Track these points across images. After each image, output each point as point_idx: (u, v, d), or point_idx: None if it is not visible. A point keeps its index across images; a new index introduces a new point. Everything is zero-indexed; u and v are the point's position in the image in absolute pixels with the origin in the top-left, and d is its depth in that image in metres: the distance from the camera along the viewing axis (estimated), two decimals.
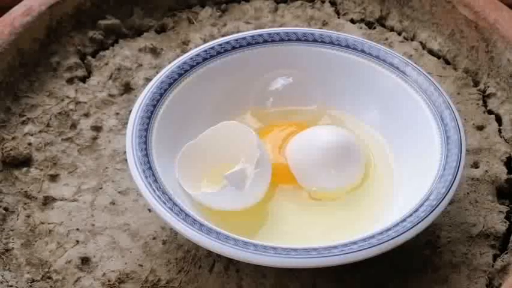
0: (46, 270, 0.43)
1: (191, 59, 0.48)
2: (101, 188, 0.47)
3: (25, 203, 0.46)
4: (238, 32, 0.56)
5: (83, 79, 0.54)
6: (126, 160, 0.43)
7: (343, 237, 0.39)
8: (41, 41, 0.54)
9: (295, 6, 0.60)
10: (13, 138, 0.49)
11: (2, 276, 0.42)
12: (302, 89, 0.50)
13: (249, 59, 0.49)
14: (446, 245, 0.44)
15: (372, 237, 0.38)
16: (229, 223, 0.42)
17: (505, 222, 0.45)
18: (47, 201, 0.46)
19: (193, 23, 0.59)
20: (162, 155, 0.43)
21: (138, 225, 0.45)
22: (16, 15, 0.53)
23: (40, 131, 0.50)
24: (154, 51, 0.56)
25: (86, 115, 0.51)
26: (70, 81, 0.54)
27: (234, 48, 0.49)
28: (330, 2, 0.61)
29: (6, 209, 0.45)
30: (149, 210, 0.45)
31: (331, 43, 0.49)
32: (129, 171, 0.41)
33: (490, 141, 0.50)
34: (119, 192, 0.47)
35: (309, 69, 0.49)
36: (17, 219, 0.45)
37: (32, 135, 0.50)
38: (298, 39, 0.49)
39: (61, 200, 0.46)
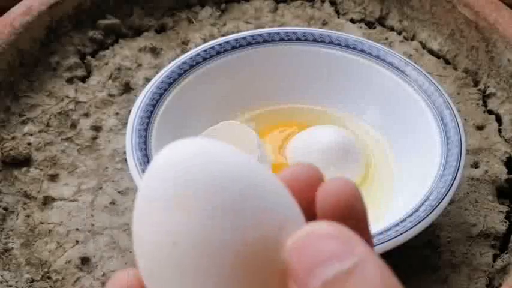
0: (46, 270, 0.43)
1: (191, 58, 0.48)
2: (100, 188, 0.47)
3: (25, 203, 0.46)
4: (238, 31, 0.56)
5: (83, 79, 0.54)
6: (125, 160, 0.43)
7: None
8: (41, 40, 0.54)
9: (295, 6, 0.60)
10: (13, 138, 0.49)
11: (2, 276, 0.42)
12: (302, 89, 0.50)
13: (249, 58, 0.49)
14: (446, 245, 0.44)
15: (372, 237, 0.38)
16: None
17: (505, 222, 0.45)
18: (47, 201, 0.46)
19: (193, 22, 0.59)
20: None
21: None
22: (16, 15, 0.53)
23: (40, 131, 0.50)
24: (154, 51, 0.56)
25: (86, 115, 0.51)
26: (70, 81, 0.54)
27: (234, 48, 0.49)
28: (329, 1, 0.61)
29: (5, 208, 0.45)
30: None
31: (331, 43, 0.49)
32: (129, 171, 0.41)
33: (490, 141, 0.50)
34: (119, 192, 0.47)
35: (309, 69, 0.49)
36: (17, 219, 0.45)
37: (31, 135, 0.50)
38: (298, 39, 0.49)
39: (61, 200, 0.46)
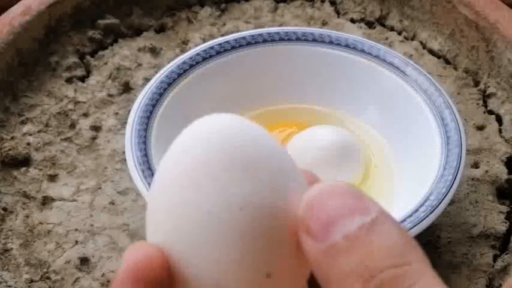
0: (45, 270, 0.42)
1: (191, 58, 0.48)
2: (100, 188, 0.47)
3: (24, 203, 0.46)
4: (237, 31, 0.56)
5: (82, 79, 0.54)
6: (125, 160, 0.43)
7: None
8: (40, 40, 0.54)
9: (295, 6, 0.60)
10: (12, 138, 0.49)
11: (1, 276, 0.42)
12: (302, 88, 0.50)
13: (249, 58, 0.49)
14: (447, 246, 0.44)
15: None
16: None
17: (505, 222, 0.45)
18: (46, 201, 0.46)
19: (192, 22, 0.59)
20: (161, 155, 0.43)
21: (137, 225, 0.45)
22: (15, 15, 0.53)
23: (39, 131, 0.50)
24: (154, 51, 0.56)
25: (85, 115, 0.51)
26: (69, 80, 0.53)
27: (233, 47, 0.49)
28: (329, 1, 0.61)
29: (5, 209, 0.45)
30: None
31: (331, 43, 0.49)
32: (128, 171, 0.41)
33: (490, 141, 0.50)
34: (118, 192, 0.47)
35: (308, 69, 0.49)
36: (16, 220, 0.45)
37: (30, 135, 0.50)
38: (298, 39, 0.49)
39: (60, 200, 0.46)
